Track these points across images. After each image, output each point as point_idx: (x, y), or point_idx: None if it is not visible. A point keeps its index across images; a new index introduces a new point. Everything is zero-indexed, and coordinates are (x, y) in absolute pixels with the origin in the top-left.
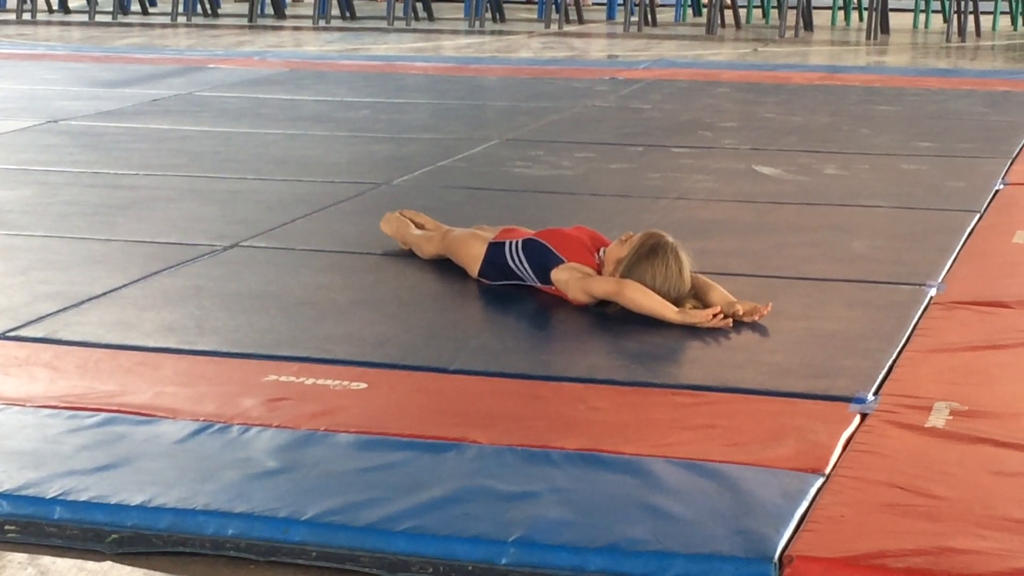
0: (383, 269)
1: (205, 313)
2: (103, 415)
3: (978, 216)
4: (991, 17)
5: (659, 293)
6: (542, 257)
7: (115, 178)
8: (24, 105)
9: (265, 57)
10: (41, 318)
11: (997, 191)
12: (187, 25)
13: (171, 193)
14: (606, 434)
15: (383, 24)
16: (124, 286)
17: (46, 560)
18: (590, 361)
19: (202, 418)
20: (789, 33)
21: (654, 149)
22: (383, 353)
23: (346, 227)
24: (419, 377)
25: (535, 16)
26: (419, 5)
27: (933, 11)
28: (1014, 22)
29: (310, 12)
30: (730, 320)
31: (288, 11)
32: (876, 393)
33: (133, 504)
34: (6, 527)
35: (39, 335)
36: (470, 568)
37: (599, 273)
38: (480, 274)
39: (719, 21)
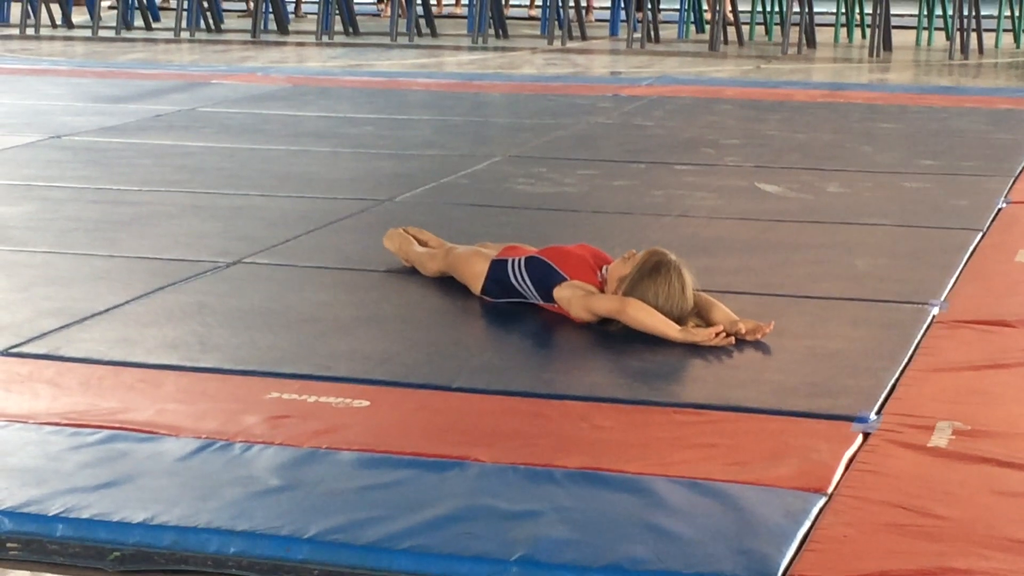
0: (386, 286)
1: (208, 330)
2: (105, 432)
3: (981, 235)
4: (994, 35)
5: (662, 311)
6: (544, 275)
7: (118, 194)
8: (27, 120)
9: (268, 73)
10: (44, 334)
11: (1000, 209)
12: (190, 41)
13: (174, 209)
14: (609, 453)
15: (386, 40)
16: (127, 303)
17: None
18: (593, 379)
19: (204, 435)
20: (792, 50)
21: (657, 166)
22: (386, 371)
23: (349, 244)
24: (422, 395)
25: (538, 32)
26: (422, 21)
27: (936, 28)
28: (1017, 40)
29: (313, 28)
30: (732, 339)
31: (291, 27)
32: (879, 412)
33: (135, 522)
34: (8, 544)
35: (42, 352)
36: None
37: (601, 291)
38: (483, 291)
39: (722, 38)
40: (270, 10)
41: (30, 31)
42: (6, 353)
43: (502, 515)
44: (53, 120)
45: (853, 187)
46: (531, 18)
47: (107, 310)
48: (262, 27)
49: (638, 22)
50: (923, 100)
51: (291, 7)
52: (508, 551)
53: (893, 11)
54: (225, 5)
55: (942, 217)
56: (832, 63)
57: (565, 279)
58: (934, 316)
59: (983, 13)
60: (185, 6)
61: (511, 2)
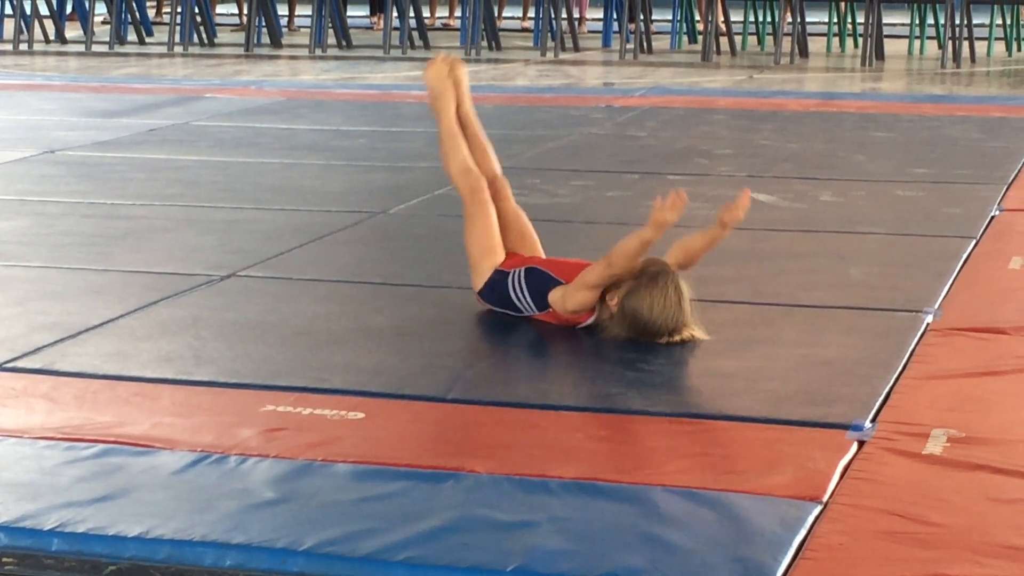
0: (380, 298)
1: (202, 343)
2: (100, 446)
3: (974, 242)
4: (986, 43)
5: (656, 322)
6: (542, 283)
7: (112, 208)
8: (21, 135)
9: (262, 86)
10: (38, 349)
11: (993, 217)
12: (184, 55)
13: (168, 223)
14: (604, 463)
15: (379, 53)
16: (121, 316)
17: None
18: (587, 390)
19: (199, 449)
20: (784, 60)
21: (650, 176)
22: (380, 382)
23: (343, 256)
24: (416, 406)
25: (531, 44)
26: (415, 34)
27: (928, 37)
28: (1009, 48)
29: (306, 41)
30: (683, 198)
31: (284, 40)
32: (873, 420)
33: (131, 535)
34: (3, 559)
35: (36, 366)
36: None
37: (599, 298)
38: (480, 293)
39: (715, 48)
40: (263, 24)
41: (23, 46)
42: (0, 368)
43: (497, 526)
44: (47, 135)
45: (846, 196)
46: (524, 30)
47: (101, 324)
48: (255, 41)
49: (631, 33)
50: (916, 109)
51: (284, 21)
52: (504, 562)
53: (885, 20)
54: (218, 19)
55: (935, 225)
56: (825, 72)
57: (560, 283)
58: (928, 324)
59: (975, 22)
60: (178, 20)
61: (504, 14)
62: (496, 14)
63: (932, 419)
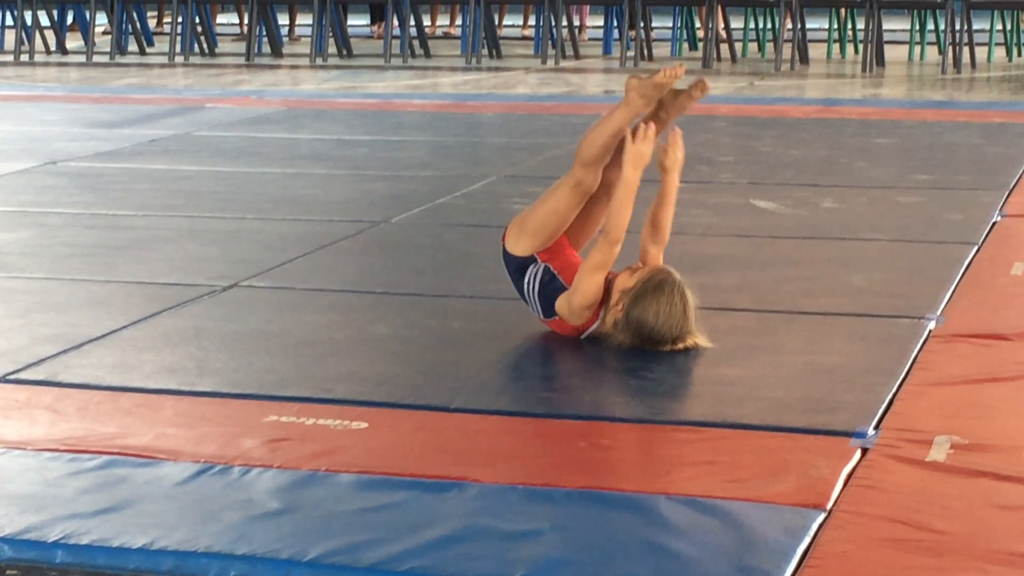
0: (382, 308)
1: (205, 354)
2: (104, 458)
3: (976, 248)
4: (986, 48)
5: (661, 330)
6: (552, 291)
7: (114, 219)
8: (23, 147)
9: (263, 96)
10: (41, 360)
11: (995, 223)
12: (185, 65)
13: (170, 233)
14: (608, 471)
15: (380, 62)
16: (124, 328)
17: None
18: (591, 398)
19: (203, 460)
20: (785, 66)
21: (651, 184)
22: (384, 392)
23: (345, 266)
24: (420, 416)
25: (532, 52)
26: (416, 42)
27: (928, 43)
28: (1009, 53)
29: (307, 51)
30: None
31: (285, 50)
32: (877, 427)
33: (135, 547)
34: (8, 572)
35: (39, 378)
36: None
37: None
38: (504, 256)
39: (715, 55)
40: (264, 33)
41: (24, 57)
42: (4, 380)
43: (502, 535)
44: (49, 146)
45: (848, 202)
46: (524, 38)
47: (104, 335)
48: (256, 50)
49: (631, 40)
50: (917, 115)
51: (285, 30)
52: (508, 571)
53: (885, 26)
54: (219, 29)
55: (937, 231)
56: (825, 79)
57: (566, 289)
58: (931, 330)
59: (975, 27)
60: (179, 30)
61: (504, 22)
62: (496, 22)
63: (935, 426)
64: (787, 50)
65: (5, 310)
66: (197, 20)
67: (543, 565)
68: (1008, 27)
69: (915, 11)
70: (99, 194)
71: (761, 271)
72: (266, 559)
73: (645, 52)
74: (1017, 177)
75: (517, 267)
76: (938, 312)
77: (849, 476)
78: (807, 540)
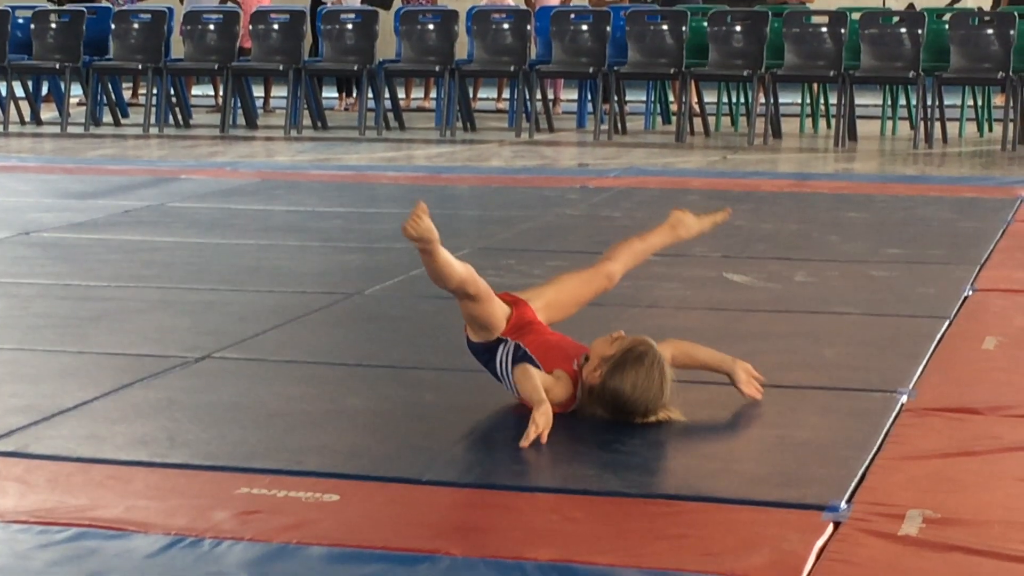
0: (355, 380)
1: (177, 425)
2: (74, 530)
3: (948, 322)
4: (957, 124)
5: (637, 401)
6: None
7: (86, 290)
8: None
9: (237, 168)
10: (11, 432)
11: (966, 297)
12: (159, 136)
13: (143, 304)
14: (580, 545)
15: (355, 134)
16: (95, 399)
17: None
18: (563, 471)
19: (174, 532)
20: (758, 141)
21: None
22: (355, 465)
23: (318, 338)
24: (392, 489)
25: (506, 125)
26: (390, 115)
27: (900, 118)
28: (980, 129)
29: (282, 122)
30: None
31: (260, 122)
32: (849, 501)
33: None
34: None
35: (9, 449)
36: None
37: (574, 380)
38: (469, 343)
39: (688, 129)
40: (239, 105)
41: None
42: None
43: None
44: (22, 216)
45: (820, 276)
46: (498, 111)
47: (76, 407)
48: (231, 122)
49: (605, 114)
50: (889, 189)
51: (260, 102)
52: None
53: (857, 101)
54: (194, 101)
55: (909, 305)
56: (798, 153)
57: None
58: (903, 404)
59: (946, 102)
60: (154, 102)
61: (479, 95)
62: (471, 95)
63: (907, 500)
64: (760, 124)
65: None
66: (172, 92)
67: None
68: (979, 103)
69: (887, 86)
70: (72, 265)
71: (734, 344)
72: None
73: (619, 125)
74: (988, 251)
75: (486, 360)
76: (910, 386)
77: (821, 550)
78: None
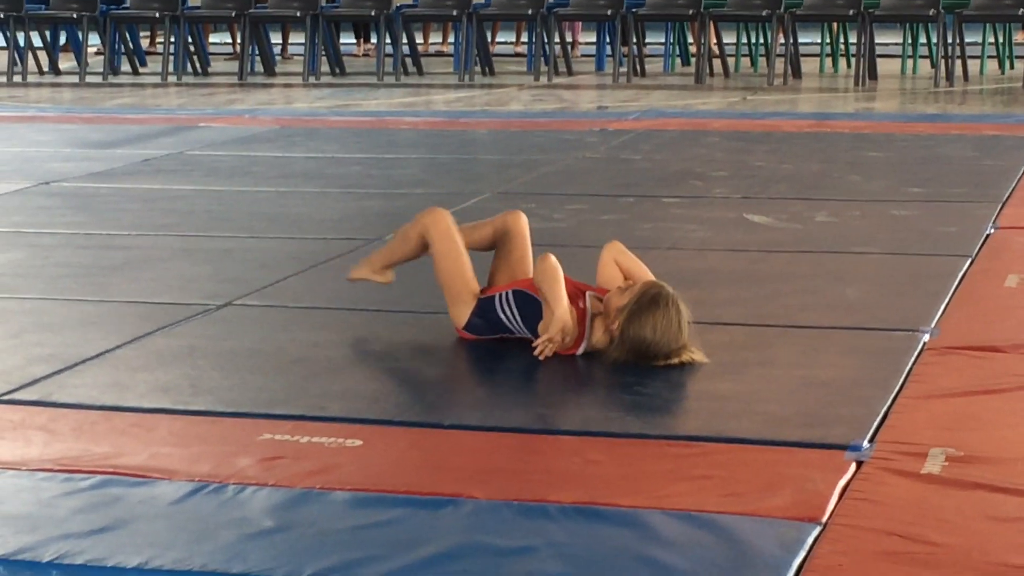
0: (376, 325)
1: (199, 373)
2: (98, 477)
3: (970, 261)
4: (978, 61)
5: (659, 343)
6: (533, 310)
7: (107, 239)
8: (16, 167)
9: (256, 115)
10: (35, 381)
11: (988, 235)
12: (177, 84)
13: (163, 253)
14: (602, 487)
15: (373, 80)
16: (118, 347)
17: None
18: (585, 414)
19: (197, 479)
20: (778, 81)
21: (645, 199)
22: (378, 409)
23: (339, 284)
24: (414, 433)
25: (524, 69)
26: (408, 60)
27: (920, 56)
28: (1002, 66)
29: (300, 69)
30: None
31: (278, 69)
32: (872, 440)
33: (129, 567)
34: None
35: (33, 398)
36: None
37: (581, 318)
38: (467, 327)
39: (708, 70)
40: (257, 52)
41: (17, 78)
42: None
43: (497, 552)
44: (42, 167)
45: (841, 216)
46: (517, 55)
47: (98, 355)
48: (249, 70)
49: (624, 56)
50: (909, 128)
51: (277, 49)
52: None
53: (877, 40)
54: (212, 48)
55: (931, 244)
56: (818, 93)
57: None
58: (925, 343)
59: (967, 40)
60: (172, 50)
61: (497, 39)
62: (489, 40)
63: (930, 438)
64: (780, 65)
65: None
66: (190, 40)
67: None
68: (1000, 40)
69: (907, 24)
70: (92, 214)
71: (755, 286)
72: None
73: (638, 68)
74: (1010, 189)
75: (488, 320)
76: (932, 325)
77: (844, 489)
78: (802, 554)
